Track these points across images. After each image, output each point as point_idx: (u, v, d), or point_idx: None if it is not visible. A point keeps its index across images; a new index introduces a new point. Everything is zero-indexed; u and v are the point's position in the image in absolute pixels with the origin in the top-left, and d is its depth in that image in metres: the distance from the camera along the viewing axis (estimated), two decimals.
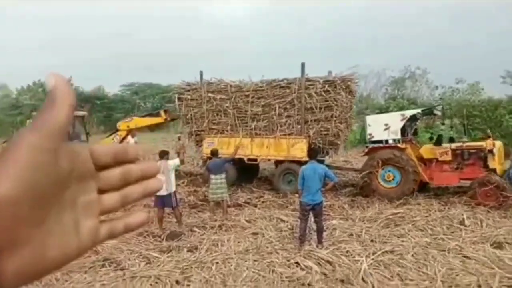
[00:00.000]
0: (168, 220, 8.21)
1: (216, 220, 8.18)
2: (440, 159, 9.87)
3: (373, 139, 10.41)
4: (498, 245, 6.28)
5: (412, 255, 5.88)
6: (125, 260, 6.00)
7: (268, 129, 11.36)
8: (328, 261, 5.67)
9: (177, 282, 5.12)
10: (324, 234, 6.62)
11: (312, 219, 6.56)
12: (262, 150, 11.39)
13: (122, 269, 5.66)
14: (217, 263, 5.75)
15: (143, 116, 14.81)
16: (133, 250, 6.54)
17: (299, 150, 10.83)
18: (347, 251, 6.09)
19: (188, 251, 6.44)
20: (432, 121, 11.09)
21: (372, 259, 5.70)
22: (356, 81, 11.56)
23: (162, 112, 13.87)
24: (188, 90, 12.36)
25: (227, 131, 11.91)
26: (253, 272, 5.44)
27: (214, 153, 8.92)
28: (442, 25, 57.25)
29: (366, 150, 10.59)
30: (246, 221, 8.13)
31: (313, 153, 6.78)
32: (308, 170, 6.39)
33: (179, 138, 16.88)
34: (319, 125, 10.75)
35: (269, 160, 11.93)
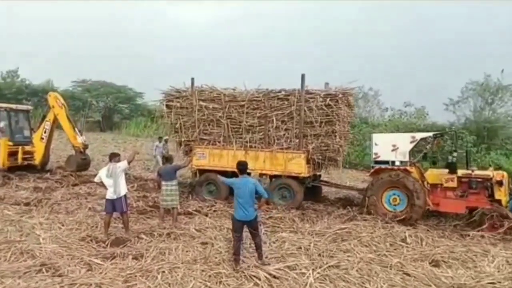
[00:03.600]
0: (114, 225, 7.90)
1: (164, 228, 7.98)
2: (445, 185, 9.68)
3: (378, 159, 10.15)
4: (436, 263, 6.63)
5: (357, 270, 6.05)
6: (64, 266, 5.67)
7: (264, 142, 10.94)
8: (274, 277, 5.65)
9: None
10: (274, 246, 6.64)
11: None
12: (257, 163, 10.90)
13: (60, 276, 5.34)
14: (163, 272, 5.59)
15: (69, 120, 14.07)
16: (74, 255, 6.21)
17: (297, 165, 10.55)
18: (295, 264, 6.15)
19: (133, 258, 6.21)
20: (436, 146, 10.87)
21: (319, 273, 5.79)
22: (356, 95, 11.31)
23: (82, 139, 14.11)
24: (178, 97, 11.81)
25: (219, 142, 11.42)
26: (200, 282, 5.35)
27: (168, 158, 8.71)
28: (397, 49, 59.94)
29: (372, 170, 10.25)
30: (196, 230, 8.01)
31: (242, 167, 6.39)
32: (238, 185, 6.18)
33: (166, 141, 15.21)
34: (319, 140, 10.45)
35: (263, 174, 11.29)
